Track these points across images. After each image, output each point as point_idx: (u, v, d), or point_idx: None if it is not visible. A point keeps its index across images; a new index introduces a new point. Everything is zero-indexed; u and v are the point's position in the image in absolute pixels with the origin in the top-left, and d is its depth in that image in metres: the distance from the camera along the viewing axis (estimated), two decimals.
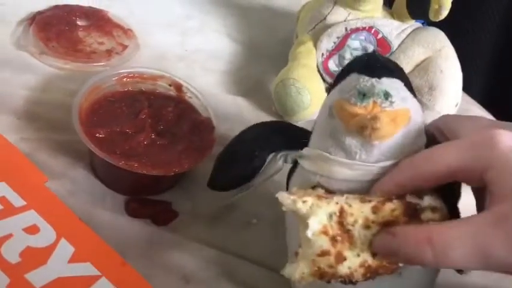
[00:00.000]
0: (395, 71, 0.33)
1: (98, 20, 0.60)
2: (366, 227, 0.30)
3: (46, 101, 0.52)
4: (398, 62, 0.55)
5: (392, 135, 0.31)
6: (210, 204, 0.48)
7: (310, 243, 0.29)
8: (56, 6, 0.60)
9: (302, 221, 0.30)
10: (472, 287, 0.45)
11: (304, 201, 0.30)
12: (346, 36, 0.57)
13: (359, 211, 0.30)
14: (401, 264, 0.30)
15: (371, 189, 0.32)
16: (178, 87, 0.51)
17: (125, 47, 0.59)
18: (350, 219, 0.30)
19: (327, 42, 0.57)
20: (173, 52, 0.62)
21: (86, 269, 0.35)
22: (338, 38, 0.57)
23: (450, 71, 0.54)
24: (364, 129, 0.30)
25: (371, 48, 0.57)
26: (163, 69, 0.52)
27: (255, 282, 0.43)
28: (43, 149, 0.47)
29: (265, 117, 0.57)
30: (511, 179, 0.28)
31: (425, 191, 0.31)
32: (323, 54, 0.58)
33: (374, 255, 0.30)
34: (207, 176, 0.50)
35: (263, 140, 0.41)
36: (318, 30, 0.58)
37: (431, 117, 0.54)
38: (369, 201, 0.30)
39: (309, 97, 0.53)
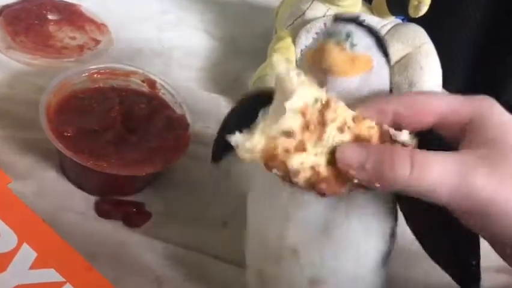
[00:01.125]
0: (372, 31, 0.33)
1: (71, 14, 0.59)
2: (340, 130, 0.28)
3: (13, 97, 0.50)
4: None
5: (347, 74, 0.31)
6: (184, 204, 0.46)
7: (281, 118, 0.27)
8: (25, 0, 0.58)
9: (284, 92, 0.28)
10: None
11: (298, 73, 0.28)
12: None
13: (342, 111, 0.28)
14: (343, 191, 0.29)
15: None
16: (152, 83, 0.49)
17: (98, 42, 0.57)
18: (331, 115, 0.28)
19: (306, 38, 0.56)
20: (149, 48, 0.61)
21: (49, 275, 0.33)
22: (316, 33, 0.56)
23: (430, 68, 0.53)
24: (315, 62, 0.31)
25: None
26: (138, 65, 0.50)
27: (229, 283, 0.42)
28: (9, 147, 0.46)
29: None
30: (493, 129, 0.28)
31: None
32: (301, 50, 0.56)
33: (329, 163, 0.28)
34: (181, 175, 0.48)
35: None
36: (297, 25, 0.57)
37: None
38: (351, 109, 0.29)
39: None
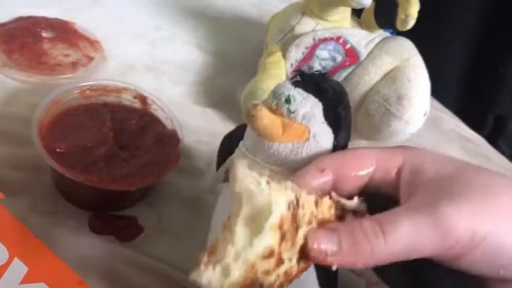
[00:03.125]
0: (325, 94, 0.33)
1: (65, 31, 0.60)
2: (309, 223, 0.26)
3: (7, 115, 0.51)
4: (367, 72, 0.55)
5: (276, 140, 0.31)
6: (176, 217, 0.47)
7: (259, 240, 0.23)
8: (20, 18, 0.59)
9: (254, 206, 0.24)
10: None
11: (267, 182, 0.25)
12: (314, 47, 0.56)
13: (308, 203, 0.26)
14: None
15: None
16: (143, 99, 0.50)
17: (91, 58, 0.58)
18: (301, 212, 0.26)
19: (296, 53, 0.57)
20: (142, 63, 0.61)
21: None
22: (306, 48, 0.56)
23: (418, 81, 0.54)
24: (248, 118, 0.31)
25: (339, 59, 0.56)
26: (130, 81, 0.51)
27: None
28: (3, 164, 0.46)
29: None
30: (423, 176, 0.28)
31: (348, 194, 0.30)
32: (292, 65, 0.57)
33: (300, 258, 0.26)
34: (173, 189, 0.49)
35: None
36: (287, 40, 0.57)
37: (400, 126, 0.54)
38: (309, 193, 0.28)
39: None
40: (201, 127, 0.55)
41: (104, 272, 0.41)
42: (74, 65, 0.56)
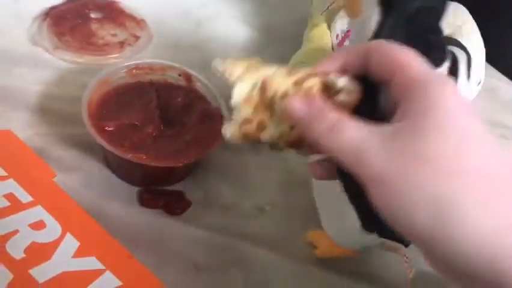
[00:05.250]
0: None
1: (111, 11, 0.61)
2: (284, 97, 0.30)
3: (60, 95, 0.52)
4: None
5: None
6: (222, 192, 0.47)
7: (237, 111, 0.30)
8: (70, 0, 0.60)
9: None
10: None
11: (234, 70, 0.31)
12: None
13: (280, 84, 0.30)
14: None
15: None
16: (188, 77, 0.50)
17: (137, 37, 0.59)
18: (270, 91, 0.30)
19: (342, 23, 0.55)
20: (187, 40, 0.62)
21: (90, 263, 0.35)
22: None
23: (471, 48, 0.51)
24: None
25: None
26: (176, 59, 0.52)
27: (265, 269, 0.43)
28: (56, 143, 0.48)
29: None
30: (429, 101, 0.25)
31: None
32: (337, 36, 0.56)
33: (292, 127, 0.30)
34: (219, 164, 0.50)
35: None
36: (332, 11, 0.56)
37: None
38: (294, 74, 0.30)
39: None
40: None
41: (153, 246, 0.42)
42: (121, 45, 0.57)
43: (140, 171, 0.46)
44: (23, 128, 0.48)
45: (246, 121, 0.30)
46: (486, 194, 0.24)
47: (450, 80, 0.27)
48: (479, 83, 0.52)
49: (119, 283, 0.35)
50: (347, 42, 0.56)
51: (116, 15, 0.60)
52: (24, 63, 0.54)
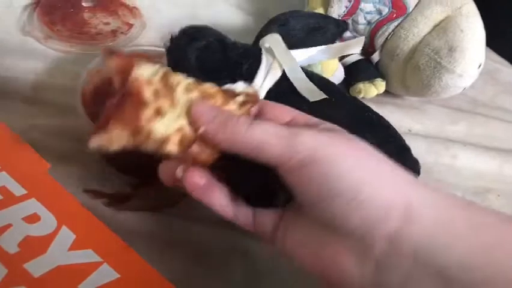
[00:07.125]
0: None
1: None
2: (188, 90, 0.31)
3: (53, 85, 0.51)
4: (415, 23, 0.52)
5: None
6: None
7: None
8: None
9: None
10: None
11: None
12: (358, 0, 0.53)
13: (183, 78, 0.31)
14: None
15: None
16: None
17: (131, 25, 0.57)
18: (173, 80, 0.30)
19: (339, 7, 0.54)
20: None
21: (87, 256, 0.34)
22: (349, 2, 0.54)
23: (471, 30, 0.50)
24: None
25: (385, 11, 0.53)
26: None
27: (265, 259, 0.43)
28: (50, 134, 0.47)
29: None
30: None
31: None
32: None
33: (191, 123, 0.30)
34: None
35: None
36: None
37: (452, 80, 0.51)
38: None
39: (320, 67, 0.50)
40: None
41: (151, 236, 0.42)
42: (114, 33, 0.56)
43: (136, 162, 0.45)
44: (15, 119, 0.47)
45: (143, 105, 0.29)
46: (361, 153, 0.29)
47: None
48: (479, 66, 0.51)
49: (117, 275, 0.34)
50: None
51: (109, 3, 0.59)
52: (15, 54, 0.53)
